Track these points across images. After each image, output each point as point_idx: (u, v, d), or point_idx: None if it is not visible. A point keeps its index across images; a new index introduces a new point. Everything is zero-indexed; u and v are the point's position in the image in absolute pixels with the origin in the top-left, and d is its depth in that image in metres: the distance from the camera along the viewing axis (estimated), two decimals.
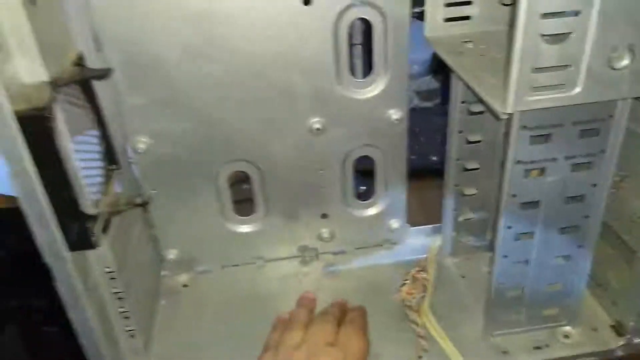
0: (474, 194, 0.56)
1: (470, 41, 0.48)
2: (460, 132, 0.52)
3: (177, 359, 0.52)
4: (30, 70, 0.35)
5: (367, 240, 0.64)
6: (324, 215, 0.61)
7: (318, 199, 0.60)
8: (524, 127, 0.39)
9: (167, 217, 0.58)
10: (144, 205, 0.46)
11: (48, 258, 0.35)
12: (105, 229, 0.43)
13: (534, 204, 0.43)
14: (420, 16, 0.52)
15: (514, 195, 0.43)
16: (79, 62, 0.41)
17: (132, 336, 0.48)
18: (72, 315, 0.38)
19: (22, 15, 0.34)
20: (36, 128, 0.33)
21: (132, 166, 0.54)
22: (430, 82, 0.94)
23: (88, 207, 0.39)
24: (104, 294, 0.45)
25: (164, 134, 0.53)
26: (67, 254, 0.36)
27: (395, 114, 0.54)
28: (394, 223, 0.63)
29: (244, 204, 0.61)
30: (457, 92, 0.50)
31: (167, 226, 0.59)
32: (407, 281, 0.56)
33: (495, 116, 0.38)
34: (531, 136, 0.40)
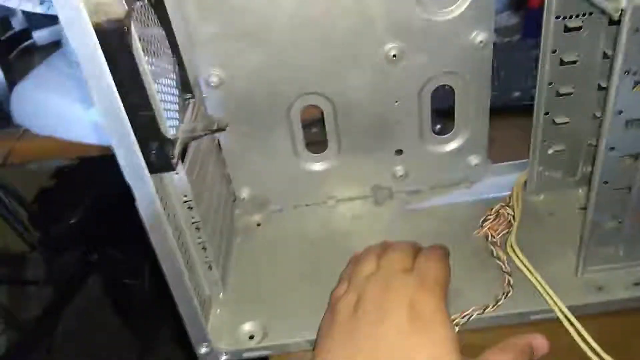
0: (566, 123, 0.52)
1: None
2: (554, 51, 0.48)
3: (252, 294, 0.52)
4: None
5: (444, 179, 0.61)
6: (399, 152, 0.59)
7: (393, 134, 0.57)
8: (637, 30, 0.35)
9: (239, 155, 0.58)
10: (219, 130, 0.45)
11: (129, 178, 0.35)
12: (183, 157, 0.42)
13: None
14: None
15: (620, 112, 0.38)
16: None
17: (209, 268, 0.49)
18: (153, 237, 0.37)
19: None
20: (115, 41, 0.32)
21: (205, 101, 0.53)
22: (510, 18, 0.88)
23: (166, 131, 0.38)
24: (182, 222, 0.45)
25: (237, 66, 0.51)
26: (147, 174, 0.35)
27: (479, 35, 0.50)
28: (474, 159, 0.59)
29: (313, 146, 0.59)
30: (551, 4, 0.45)
31: (240, 164, 0.58)
32: (491, 216, 0.52)
33: (609, 18, 0.34)
34: None
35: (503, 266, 0.48)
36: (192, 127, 0.42)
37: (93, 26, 0.31)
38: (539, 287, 0.45)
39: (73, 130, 0.75)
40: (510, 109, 0.69)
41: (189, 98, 0.46)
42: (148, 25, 0.39)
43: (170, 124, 0.40)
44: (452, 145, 0.58)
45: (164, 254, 0.39)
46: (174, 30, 0.45)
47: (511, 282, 0.47)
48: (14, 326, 0.99)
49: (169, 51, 0.43)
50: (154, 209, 0.37)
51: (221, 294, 0.51)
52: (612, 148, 0.40)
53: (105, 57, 0.32)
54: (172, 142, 0.38)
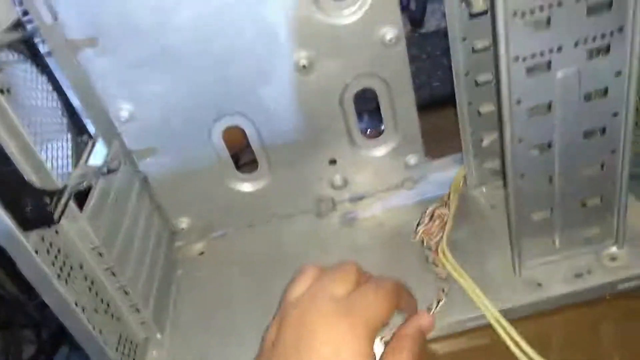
0: (491, 111, 0.49)
1: None
2: (464, 39, 0.45)
3: (196, 325, 0.50)
4: None
5: (384, 182, 0.58)
6: (333, 161, 0.56)
7: (322, 144, 0.55)
8: (515, 14, 0.32)
9: (169, 186, 0.56)
10: (111, 172, 0.43)
11: (3, 242, 0.33)
12: (81, 205, 0.41)
13: (545, 108, 0.36)
14: None
15: (519, 102, 0.36)
16: (17, 26, 0.38)
17: (136, 310, 0.47)
18: (45, 297, 0.36)
19: None
20: None
21: (122, 136, 0.52)
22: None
23: (46, 182, 0.36)
24: (95, 270, 0.43)
25: (146, 97, 0.50)
26: (19, 234, 0.33)
27: (388, 33, 0.48)
28: (411, 159, 0.57)
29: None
30: None
31: (171, 195, 0.57)
32: (425, 219, 0.50)
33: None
34: (525, 22, 0.33)
35: (438, 272, 0.46)
36: (85, 173, 0.40)
37: None
38: (470, 293, 0.43)
39: None
40: (435, 101, 0.66)
41: (86, 140, 0.44)
42: (21, 74, 0.37)
43: (58, 172, 0.38)
44: (385, 148, 0.56)
45: (62, 311, 0.37)
46: (70, 70, 0.43)
47: (445, 289, 0.44)
48: None
49: (53, 95, 0.41)
50: (38, 268, 0.35)
51: (158, 335, 0.49)
52: (520, 140, 0.37)
53: None
54: (54, 194, 0.37)
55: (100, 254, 0.43)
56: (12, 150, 0.34)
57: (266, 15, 0.47)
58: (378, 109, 0.54)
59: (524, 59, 0.34)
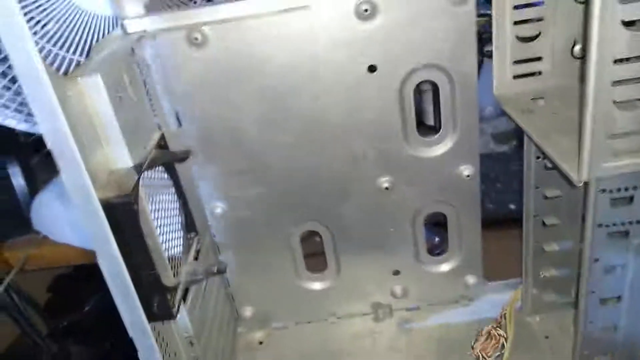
0: (555, 250, 0.54)
1: (541, 98, 0.47)
2: (537, 187, 0.50)
3: None
4: (117, 157, 0.38)
5: (441, 296, 0.62)
6: (396, 272, 0.61)
7: (389, 256, 0.59)
8: (603, 191, 0.37)
9: (243, 276, 0.60)
10: (219, 273, 0.48)
11: (131, 332, 0.38)
12: (184, 298, 0.45)
13: (619, 268, 0.40)
14: (492, 55, 0.51)
15: (597, 260, 0.40)
16: (161, 144, 0.44)
17: None
18: None
19: (109, 108, 0.37)
20: (122, 214, 0.35)
21: (210, 228, 0.57)
22: (508, 123, 0.91)
23: (168, 279, 0.41)
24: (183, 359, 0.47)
25: (239, 199, 0.55)
26: (149, 328, 0.38)
27: (466, 170, 0.53)
28: (470, 279, 0.61)
29: (315, 258, 0.62)
30: (530, 148, 0.49)
31: (243, 285, 0.61)
32: (482, 337, 0.53)
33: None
34: (612, 199, 0.38)
35: None
36: (194, 270, 0.44)
37: (102, 201, 0.35)
38: None
39: (89, 240, 0.79)
40: (508, 221, 0.71)
41: (193, 237, 0.49)
42: (157, 180, 0.42)
43: (173, 268, 0.43)
44: (447, 266, 0.60)
45: None
46: (181, 170, 0.49)
47: None
48: None
49: (175, 197, 0.47)
50: (155, 357, 0.39)
51: None
52: (593, 292, 0.41)
53: (112, 227, 0.35)
54: (173, 290, 0.41)
55: (192, 343, 0.47)
56: (152, 254, 0.38)
57: (359, 144, 0.52)
58: (436, 224, 0.59)
59: (607, 226, 0.39)
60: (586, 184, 0.37)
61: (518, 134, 0.88)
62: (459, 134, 0.52)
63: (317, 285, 0.62)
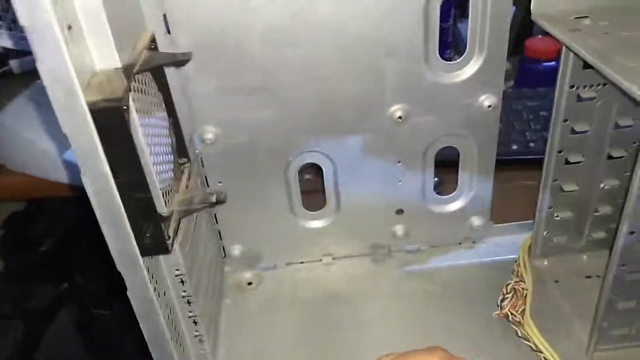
0: (573, 191, 0.50)
1: (585, 17, 0.41)
2: (566, 120, 0.46)
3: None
4: (103, 55, 0.31)
5: (445, 238, 0.58)
6: (399, 211, 0.56)
7: (394, 194, 0.55)
8: None
9: (233, 212, 0.54)
10: (219, 203, 0.42)
11: (121, 266, 0.32)
12: (176, 230, 0.39)
13: None
14: None
15: (632, 232, 0.36)
16: (152, 45, 0.37)
17: (200, 341, 0.45)
18: (144, 324, 0.34)
19: None
20: (111, 121, 0.29)
21: (200, 157, 0.50)
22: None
23: (162, 207, 0.35)
24: (173, 298, 0.41)
25: (234, 123, 0.49)
26: (141, 261, 0.32)
27: (488, 99, 0.49)
28: (476, 220, 0.57)
29: (307, 196, 0.57)
30: (565, 75, 0.44)
31: (232, 221, 0.55)
32: (508, 295, 0.50)
33: (616, 102, 0.32)
34: None
35: (533, 346, 0.46)
36: (189, 199, 0.38)
37: (88, 105, 0.28)
38: None
39: (48, 168, 0.72)
40: (508, 162, 0.67)
41: (185, 162, 0.42)
42: (146, 93, 0.36)
43: (165, 196, 0.37)
44: (454, 206, 0.56)
45: (154, 340, 0.35)
46: (171, 89, 0.42)
47: None
48: None
49: (165, 115, 0.40)
50: (147, 295, 0.33)
51: None
52: (632, 232, 0.38)
53: (101, 138, 0.29)
54: (167, 219, 0.35)
55: (182, 282, 0.41)
56: (146, 174, 0.32)
57: (377, 65, 0.46)
58: (444, 163, 0.54)
59: None
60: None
61: (515, 75, 0.85)
62: (485, 57, 0.47)
63: (313, 224, 0.57)
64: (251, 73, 0.46)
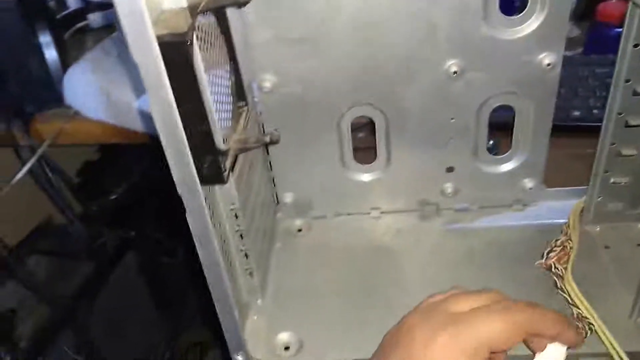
0: (632, 155, 0.49)
1: None
2: (628, 80, 0.45)
3: (289, 303, 0.52)
4: None
5: (494, 199, 0.58)
6: (450, 169, 0.57)
7: (446, 151, 0.55)
8: None
9: (286, 160, 0.57)
10: (272, 143, 0.44)
11: (182, 190, 0.35)
12: (232, 167, 0.42)
13: None
14: None
15: None
16: None
17: (250, 275, 0.48)
18: (200, 249, 0.37)
19: None
20: (176, 55, 0.31)
21: (257, 105, 0.53)
22: (572, 29, 0.84)
23: (220, 143, 0.37)
24: (227, 231, 0.44)
25: (291, 72, 0.50)
26: (199, 187, 0.35)
27: (547, 57, 0.48)
28: (528, 183, 0.57)
29: (358, 152, 0.58)
30: (631, 32, 0.43)
31: (286, 169, 0.58)
32: (557, 248, 0.50)
33: None
34: None
35: (569, 299, 0.46)
36: (245, 139, 0.41)
37: (156, 38, 0.30)
38: (597, 330, 0.43)
39: (122, 116, 0.76)
40: (569, 129, 0.66)
41: (243, 106, 0.45)
42: (209, 34, 0.38)
43: (223, 133, 0.39)
44: (507, 167, 0.56)
45: (210, 265, 0.39)
46: (232, 35, 0.44)
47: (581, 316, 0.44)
48: (50, 301, 1.01)
49: (227, 58, 0.42)
50: (204, 221, 0.36)
51: (259, 301, 0.51)
52: None
53: (166, 69, 0.31)
54: (224, 154, 0.38)
55: (236, 216, 0.44)
56: (207, 109, 0.34)
57: (432, 17, 0.47)
58: (499, 125, 0.54)
59: None
60: None
61: (584, 40, 0.82)
62: (546, 13, 0.46)
63: (363, 177, 0.58)
64: (305, 23, 0.47)
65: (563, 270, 0.48)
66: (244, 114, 0.45)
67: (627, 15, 0.42)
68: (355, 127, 0.57)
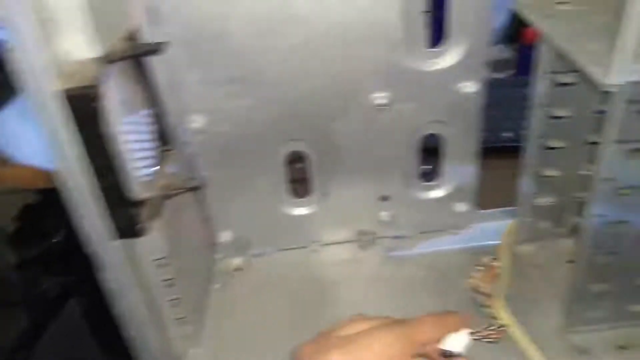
0: (555, 176, 0.50)
1: (567, 2, 0.41)
2: (545, 106, 0.46)
3: (229, 345, 0.50)
4: (81, 45, 0.32)
5: (430, 224, 0.59)
6: (385, 198, 0.57)
7: (379, 181, 0.56)
8: (630, 101, 0.33)
9: (222, 198, 0.56)
10: (197, 188, 0.43)
11: (94, 246, 0.33)
12: (157, 214, 0.40)
13: (632, 189, 0.37)
14: None
15: (610, 179, 0.37)
16: (132, 37, 0.38)
17: (183, 323, 0.46)
18: (119, 306, 0.35)
19: None
20: (83, 107, 0.30)
21: (186, 146, 0.51)
22: (504, 51, 0.86)
23: (137, 192, 0.36)
24: (153, 281, 0.43)
25: (222, 111, 0.50)
26: (114, 243, 0.33)
27: (470, 86, 0.49)
28: (461, 206, 0.57)
29: (295, 185, 0.58)
30: (544, 60, 0.44)
31: (222, 207, 0.56)
32: (481, 268, 0.50)
33: (594, 87, 0.32)
34: (637, 111, 0.34)
35: (493, 317, 0.47)
36: (169, 184, 0.40)
37: (63, 92, 0.29)
38: (527, 348, 0.44)
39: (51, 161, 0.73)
40: (501, 150, 0.67)
41: (169, 149, 0.44)
42: (127, 80, 0.37)
43: (144, 180, 0.38)
44: (439, 193, 0.57)
45: (130, 321, 0.37)
46: (157, 76, 0.43)
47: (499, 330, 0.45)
48: None
49: (148, 103, 0.41)
50: (121, 277, 0.35)
51: (192, 350, 0.49)
52: (601, 215, 0.38)
53: (73, 122, 0.30)
54: (142, 203, 0.36)
55: (164, 265, 0.43)
56: (114, 160, 0.33)
57: (360, 52, 0.47)
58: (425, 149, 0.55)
59: (627, 142, 0.35)
60: (608, 94, 0.33)
61: (516, 62, 0.85)
62: (467, 45, 0.47)
63: (300, 211, 0.58)
64: (235, 63, 0.47)
65: (487, 290, 0.48)
66: (169, 158, 0.43)
67: (541, 47, 0.44)
68: (294, 158, 0.56)
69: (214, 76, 0.47)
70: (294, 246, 0.60)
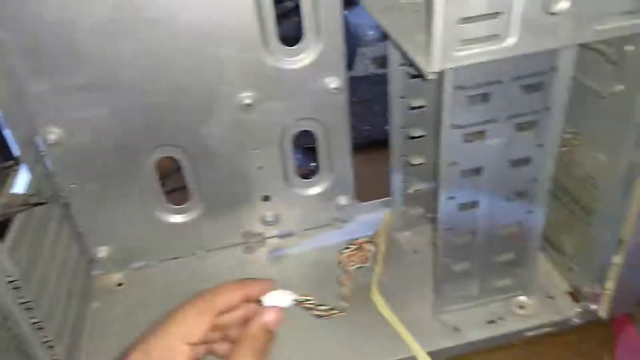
0: (422, 164, 0.53)
1: None
2: (402, 97, 0.48)
3: None
4: None
5: (314, 220, 0.60)
6: (266, 198, 0.57)
7: (257, 181, 0.55)
8: (459, 87, 0.35)
9: (93, 213, 0.53)
10: (39, 204, 0.41)
11: None
12: (3, 232, 0.38)
13: (476, 171, 0.39)
14: None
15: (454, 163, 0.39)
16: None
17: (50, 347, 0.44)
18: None
19: None
20: None
21: (45, 159, 0.49)
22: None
23: None
24: (8, 305, 0.40)
25: (79, 122, 0.47)
26: None
27: (332, 82, 0.50)
28: (342, 200, 0.59)
29: (179, 192, 0.57)
30: (394, 54, 0.46)
31: (93, 222, 0.54)
32: (352, 246, 0.51)
33: (423, 76, 0.34)
34: (467, 96, 0.36)
35: (342, 293, 0.47)
36: (9, 202, 0.37)
37: None
38: (403, 336, 0.45)
39: None
40: (386, 143, 0.69)
41: (11, 166, 0.41)
42: None
43: None
44: (318, 188, 0.58)
45: None
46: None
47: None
48: None
49: None
50: None
51: None
52: (451, 197, 0.41)
53: None
54: None
55: (17, 288, 0.40)
56: None
57: (216, 54, 0.47)
58: (310, 147, 0.56)
59: (462, 127, 0.37)
60: (440, 82, 0.35)
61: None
62: (323, 43, 0.48)
63: (180, 218, 0.56)
64: (84, 70, 0.45)
65: (352, 269, 0.50)
66: (11, 174, 0.41)
67: (389, 41, 0.45)
68: (175, 166, 0.55)
69: (63, 84, 0.45)
70: (178, 255, 0.59)
